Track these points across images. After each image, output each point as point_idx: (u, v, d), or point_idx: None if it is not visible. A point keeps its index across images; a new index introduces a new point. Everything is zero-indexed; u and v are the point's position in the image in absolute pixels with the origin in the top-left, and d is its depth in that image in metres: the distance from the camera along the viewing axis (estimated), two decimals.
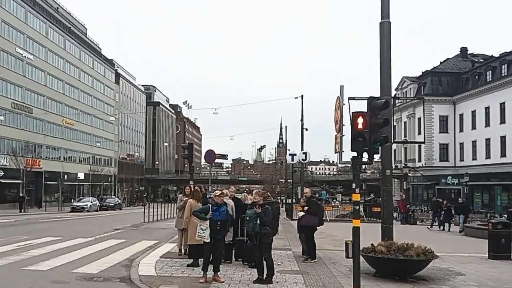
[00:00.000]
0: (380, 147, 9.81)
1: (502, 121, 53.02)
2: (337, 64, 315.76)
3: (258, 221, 9.72)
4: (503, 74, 53.96)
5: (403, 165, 66.13)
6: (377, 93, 11.99)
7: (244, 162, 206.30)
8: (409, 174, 63.63)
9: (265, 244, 9.90)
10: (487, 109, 55.95)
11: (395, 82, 72.18)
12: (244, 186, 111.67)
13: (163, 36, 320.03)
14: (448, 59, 68.51)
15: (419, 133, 62.29)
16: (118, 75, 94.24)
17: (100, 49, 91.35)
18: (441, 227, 29.24)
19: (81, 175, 74.91)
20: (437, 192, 56.44)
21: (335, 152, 10.66)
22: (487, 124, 55.91)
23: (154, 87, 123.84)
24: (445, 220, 29.38)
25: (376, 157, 10.21)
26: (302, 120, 38.20)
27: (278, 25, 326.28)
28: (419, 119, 63.03)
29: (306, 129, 38.37)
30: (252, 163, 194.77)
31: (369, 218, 34.00)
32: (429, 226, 30.28)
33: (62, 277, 10.38)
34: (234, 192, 12.96)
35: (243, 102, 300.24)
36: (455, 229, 27.81)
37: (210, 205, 10.10)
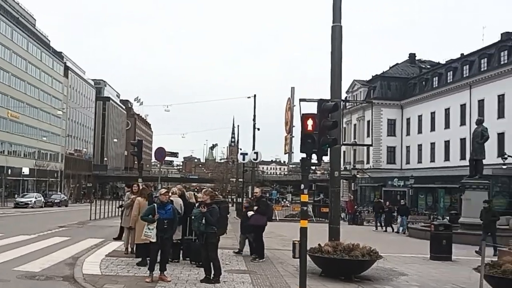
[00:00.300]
0: (329, 149, 9.96)
1: (447, 126, 54.96)
2: (312, 63, 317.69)
3: (203, 221, 9.68)
4: (448, 81, 55.93)
5: (352, 167, 67.46)
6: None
7: (196, 160, 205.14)
8: (357, 176, 64.94)
9: (211, 243, 9.86)
10: (432, 114, 57.84)
11: (346, 85, 73.55)
12: (195, 184, 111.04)
13: (117, 31, 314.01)
14: (397, 64, 70.40)
15: (368, 135, 63.69)
16: (67, 68, 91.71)
17: (49, 41, 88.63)
18: (384, 228, 29.90)
19: (25, 170, 72.42)
20: (384, 194, 57.86)
21: (285, 153, 10.79)
22: (433, 128, 57.81)
23: (104, 81, 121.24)
24: (386, 221, 30.09)
25: (326, 158, 10.39)
26: (254, 119, 38.38)
27: (252, 21, 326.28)
28: (368, 122, 64.44)
29: (258, 129, 38.59)
30: (204, 161, 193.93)
31: (318, 218, 34.48)
32: (374, 229, 30.80)
33: (2, 275, 10.01)
34: (181, 190, 12.84)
35: (198, 100, 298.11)
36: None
37: (155, 205, 9.95)
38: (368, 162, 66.35)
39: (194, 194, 13.36)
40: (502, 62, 47.06)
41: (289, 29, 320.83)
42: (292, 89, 10.69)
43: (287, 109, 10.77)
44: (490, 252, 13.64)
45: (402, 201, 33.47)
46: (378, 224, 31.12)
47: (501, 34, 50.72)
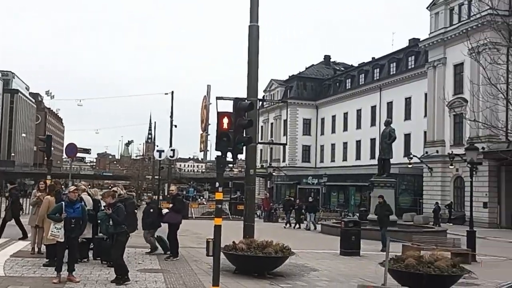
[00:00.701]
0: (244, 147, 10.05)
1: (358, 126, 57.26)
2: (232, 61, 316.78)
3: (110, 222, 9.45)
4: (360, 83, 58.26)
5: (268, 165, 68.47)
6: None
7: (110, 157, 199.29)
8: (273, 174, 66.02)
9: (119, 241, 9.63)
10: (345, 114, 60.03)
11: (264, 84, 74.50)
12: (110, 181, 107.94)
13: (29, 23, 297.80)
14: (313, 65, 72.34)
15: (285, 134, 64.94)
16: None
17: None
18: (294, 225, 30.06)
19: None
20: (299, 191, 59.30)
21: (200, 151, 10.76)
22: (345, 128, 60.01)
23: (12, 73, 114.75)
24: (296, 218, 30.47)
25: (242, 156, 10.47)
26: (171, 116, 37.95)
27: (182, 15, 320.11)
28: (285, 121, 65.70)
29: (176, 126, 38.22)
30: (119, 158, 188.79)
31: (234, 216, 34.67)
32: (284, 226, 30.81)
33: None
34: (86, 186, 12.44)
35: (113, 95, 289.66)
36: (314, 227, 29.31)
37: (62, 203, 9.57)
38: (284, 161, 67.66)
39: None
40: (409, 67, 49.72)
41: (210, 27, 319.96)
42: (208, 86, 10.68)
43: (203, 107, 10.74)
44: (397, 248, 14.34)
45: (310, 198, 34.04)
46: (288, 221, 31.32)
47: (409, 40, 53.57)
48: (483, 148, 32.77)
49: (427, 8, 41.66)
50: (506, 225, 34.22)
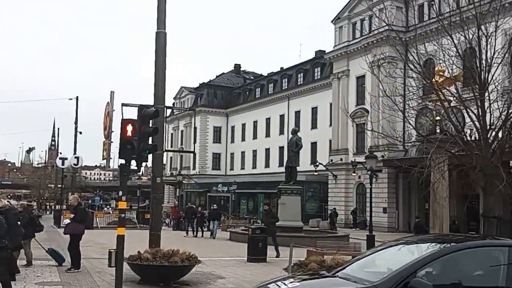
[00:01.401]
0: (150, 155, 9.93)
1: (267, 135, 58.33)
2: (142, 67, 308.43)
3: None
4: (269, 92, 59.46)
5: (178, 173, 67.76)
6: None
7: (10, 164, 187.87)
8: (183, 181, 65.42)
9: (0, 257, 8.77)
10: (255, 123, 60.93)
11: (174, 91, 73.93)
12: (9, 190, 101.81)
13: None
14: (223, 73, 72.84)
15: (195, 142, 64.66)
16: None
17: None
18: (195, 233, 29.50)
19: None
20: (209, 199, 59.23)
21: (103, 159, 10.50)
22: (255, 137, 60.88)
23: None
24: (198, 226, 29.91)
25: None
26: (76, 123, 36.59)
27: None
28: (195, 128, 65.48)
29: (80, 132, 36.85)
30: (19, 166, 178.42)
31: (142, 225, 33.91)
32: (185, 234, 29.84)
33: None
34: None
35: (12, 100, 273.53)
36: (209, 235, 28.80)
37: None
38: (194, 168, 67.35)
39: None
40: (315, 78, 51.50)
41: (116, 31, 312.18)
42: (112, 93, 10.45)
43: (106, 114, 10.48)
44: (302, 253, 14.74)
45: (214, 205, 33.73)
46: (190, 229, 30.40)
47: (315, 52, 55.54)
48: (382, 156, 34.61)
49: (331, 21, 43.42)
50: (403, 229, 36.26)
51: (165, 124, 12.69)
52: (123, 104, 11.36)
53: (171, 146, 72.97)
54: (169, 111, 67.66)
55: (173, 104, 71.56)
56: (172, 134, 74.74)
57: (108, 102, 10.30)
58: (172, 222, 37.65)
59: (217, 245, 23.58)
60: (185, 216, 32.55)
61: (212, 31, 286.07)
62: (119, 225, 8.98)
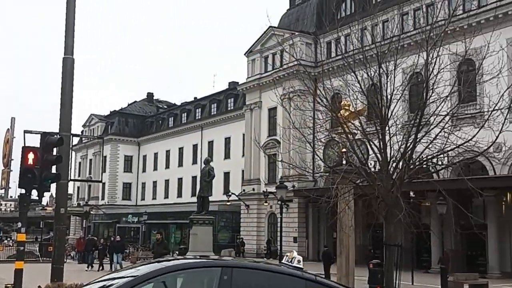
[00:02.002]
0: (55, 185, 9.53)
1: (180, 164, 57.83)
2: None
3: None
4: (183, 121, 59.24)
5: (85, 203, 65.17)
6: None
7: None
8: (91, 212, 62.93)
9: None
10: (168, 152, 60.27)
11: (83, 118, 71.73)
12: None
13: None
14: (136, 101, 71.73)
15: (104, 171, 62.75)
16: None
17: None
18: (89, 267, 28.02)
19: None
20: (118, 230, 57.33)
21: (1, 188, 9.89)
22: (167, 166, 60.11)
23: None
24: (100, 259, 28.58)
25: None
26: None
27: None
28: (105, 157, 63.63)
29: None
30: None
31: (45, 258, 32.07)
32: (86, 268, 28.25)
33: None
34: None
35: None
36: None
37: None
38: (103, 198, 65.11)
39: None
40: (229, 108, 52.08)
41: (21, 55, 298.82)
42: (13, 119, 9.96)
43: (5, 141, 9.96)
44: None
45: (117, 237, 32.27)
46: (90, 263, 28.96)
47: (229, 83, 56.29)
48: (293, 186, 35.41)
49: (244, 54, 44.36)
50: (313, 257, 37.04)
51: (72, 152, 12.25)
52: (25, 131, 10.87)
53: (79, 175, 70.24)
54: (77, 139, 65.34)
55: (82, 132, 69.27)
56: (80, 163, 72.05)
57: (8, 129, 9.78)
58: (77, 255, 35.91)
59: None
60: (85, 249, 31.07)
61: (125, 58, 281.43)
62: (17, 259, 8.47)
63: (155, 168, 62.54)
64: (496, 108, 11.72)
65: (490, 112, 11.95)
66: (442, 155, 12.75)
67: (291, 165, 15.86)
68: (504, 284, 19.29)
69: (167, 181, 59.97)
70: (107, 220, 60.82)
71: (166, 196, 59.62)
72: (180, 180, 57.52)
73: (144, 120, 67.07)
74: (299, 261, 5.16)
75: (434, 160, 13.19)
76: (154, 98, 73.51)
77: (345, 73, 14.98)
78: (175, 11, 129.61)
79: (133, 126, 66.47)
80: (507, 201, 27.57)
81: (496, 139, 11.49)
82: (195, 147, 55.60)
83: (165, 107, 69.92)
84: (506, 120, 11.67)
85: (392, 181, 12.67)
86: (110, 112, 69.80)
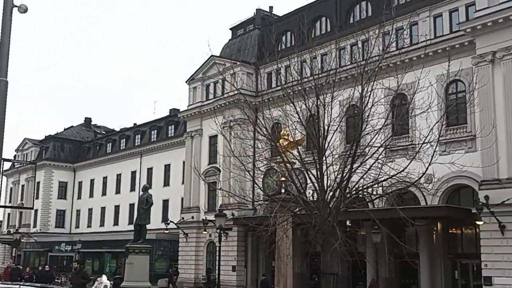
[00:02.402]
0: None
1: (118, 191, 56.49)
2: None
3: None
4: (121, 148, 58.13)
5: (15, 230, 62.23)
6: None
7: None
8: (22, 240, 60.08)
9: None
10: (105, 178, 58.76)
11: (16, 142, 68.99)
12: None
13: None
14: (72, 126, 69.86)
15: (37, 197, 60.37)
16: None
17: None
18: None
19: None
20: (50, 259, 55.02)
21: None
22: (104, 193, 58.55)
23: None
24: None
25: None
26: None
27: None
28: (38, 183, 61.30)
29: None
30: None
31: None
32: None
33: None
34: None
35: None
36: None
37: None
38: (35, 226, 62.43)
39: None
40: (169, 135, 51.65)
41: None
42: None
43: None
44: None
45: (46, 266, 30.85)
46: None
47: (170, 110, 55.98)
48: (232, 214, 35.37)
49: (186, 82, 44.40)
50: (251, 287, 36.89)
51: (3, 177, 11.78)
52: None
53: (10, 202, 67.14)
54: (9, 164, 62.71)
55: (15, 156, 66.51)
56: (11, 188, 68.94)
57: None
58: None
59: None
60: (10, 279, 29.61)
61: (63, 83, 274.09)
62: None
63: (91, 195, 60.74)
64: (426, 141, 12.32)
65: (420, 145, 12.54)
66: (376, 185, 13.21)
67: (230, 193, 15.92)
68: None
69: (103, 209, 58.31)
70: (38, 248, 58.22)
71: (102, 224, 57.88)
72: (117, 208, 56.09)
73: (81, 145, 65.32)
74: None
75: (369, 190, 13.65)
76: (92, 123, 71.88)
77: (284, 103, 15.34)
78: (116, 36, 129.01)
79: (69, 152, 64.53)
80: (438, 230, 28.66)
81: (426, 171, 12.05)
82: (133, 173, 54.55)
83: (103, 132, 68.48)
84: (435, 153, 12.27)
85: (329, 210, 12.99)
86: (45, 136, 67.55)
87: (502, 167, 23.73)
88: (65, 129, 69.16)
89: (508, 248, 23.14)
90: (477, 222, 24.34)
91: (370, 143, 13.06)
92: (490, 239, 23.91)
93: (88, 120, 71.60)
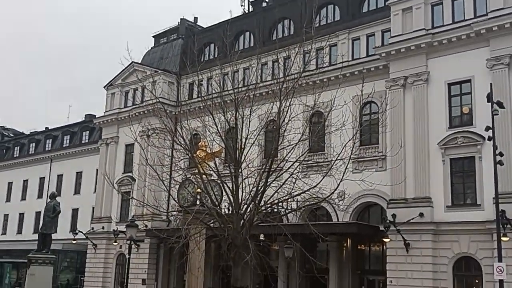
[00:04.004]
0: None
1: (23, 198, 53.44)
2: None
3: None
4: (30, 152, 55.19)
5: None
6: None
7: None
8: None
9: None
10: (10, 184, 55.40)
11: None
12: None
13: None
14: None
15: None
16: None
17: None
18: None
19: None
20: None
21: None
22: (8, 199, 55.18)
23: None
24: None
25: None
26: None
27: None
28: None
29: None
30: None
31: None
32: None
33: None
34: None
35: None
36: None
37: None
38: None
39: None
40: (83, 141, 49.65)
41: None
42: None
43: None
44: None
45: None
46: None
47: (85, 115, 53.94)
48: (145, 226, 34.48)
49: (104, 87, 43.07)
50: None
51: None
52: None
53: None
54: None
55: None
56: None
57: None
58: None
59: None
60: None
61: None
62: None
63: None
64: (339, 158, 12.63)
65: (333, 162, 12.83)
66: (290, 199, 13.35)
67: (143, 204, 15.48)
68: None
69: (6, 216, 54.84)
70: None
71: (4, 232, 54.37)
72: (21, 215, 52.93)
73: None
74: None
75: (283, 204, 13.76)
76: (0, 125, 67.72)
77: (204, 114, 15.20)
78: (31, 36, 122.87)
79: None
80: (347, 246, 29.48)
81: (338, 186, 12.33)
82: (42, 180, 51.82)
83: (12, 135, 64.70)
84: (347, 170, 12.59)
85: (243, 223, 12.94)
86: None
87: (409, 187, 24.92)
88: None
89: (412, 265, 24.20)
90: (384, 239, 25.27)
91: (286, 158, 13.19)
92: (395, 256, 24.91)
93: None
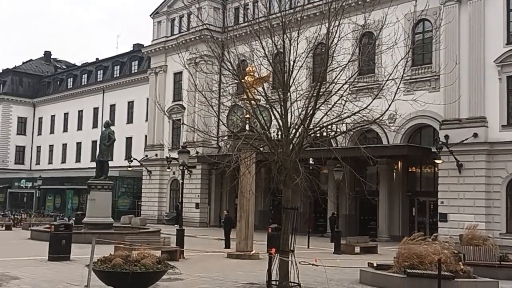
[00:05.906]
0: None
1: (79, 128, 55.44)
2: None
3: None
4: (83, 83, 56.59)
5: None
6: None
7: None
8: None
9: None
10: (66, 115, 57.44)
11: None
12: None
13: None
14: (31, 60, 67.31)
15: None
16: None
17: None
18: None
19: None
20: (9, 196, 54.54)
21: None
22: (65, 129, 57.38)
23: None
24: None
25: None
26: None
27: None
28: None
29: None
30: None
31: None
32: None
33: None
34: None
35: None
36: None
37: None
38: None
39: None
40: (133, 71, 50.36)
41: None
42: None
43: None
44: (110, 249, 14.20)
45: None
46: None
47: (133, 45, 54.34)
48: (197, 152, 35.27)
49: (150, 15, 42.91)
50: (214, 223, 37.44)
51: None
52: None
53: None
54: None
55: None
56: None
57: None
58: None
59: (16, 245, 21.62)
60: None
61: (21, 15, 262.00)
62: None
63: (52, 131, 59.47)
64: (390, 78, 12.24)
65: (384, 82, 12.47)
66: (339, 122, 13.16)
67: (194, 129, 15.69)
68: (391, 247, 20.62)
69: (64, 145, 57.32)
70: None
71: (64, 161, 57.07)
72: (79, 145, 55.21)
73: (41, 80, 63.21)
74: None
75: (333, 127, 13.60)
76: (52, 57, 69.31)
77: (251, 39, 14.90)
78: None
79: (28, 86, 62.45)
80: (398, 169, 29.34)
81: (389, 107, 12.04)
82: (96, 110, 53.42)
83: (64, 67, 66.25)
84: (399, 90, 12.23)
85: (292, 147, 12.93)
86: (3, 70, 64.97)
87: (463, 107, 24.20)
88: (23, 63, 66.62)
89: (465, 186, 23.95)
90: (436, 161, 24.96)
91: (335, 80, 12.88)
92: (447, 177, 24.66)
93: (48, 54, 68.96)
